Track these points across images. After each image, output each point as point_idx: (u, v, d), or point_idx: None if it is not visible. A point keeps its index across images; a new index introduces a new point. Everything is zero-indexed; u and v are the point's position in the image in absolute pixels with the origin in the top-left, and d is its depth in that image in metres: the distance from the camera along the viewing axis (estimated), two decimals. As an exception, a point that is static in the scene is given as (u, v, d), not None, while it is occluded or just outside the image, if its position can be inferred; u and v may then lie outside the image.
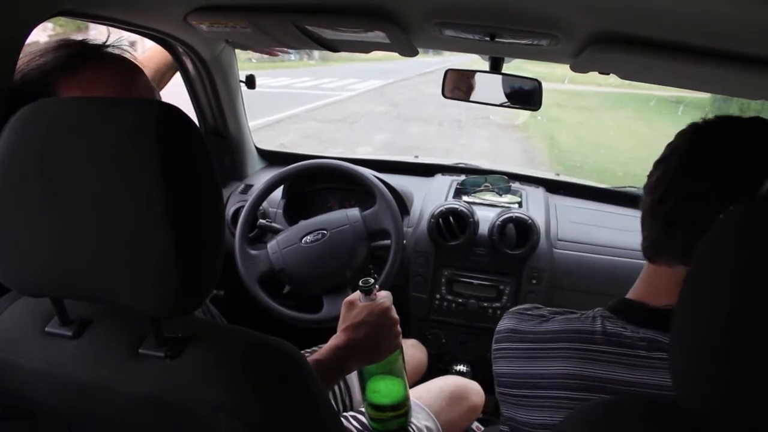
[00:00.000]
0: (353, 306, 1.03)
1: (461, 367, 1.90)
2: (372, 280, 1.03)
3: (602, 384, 0.73)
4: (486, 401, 1.91)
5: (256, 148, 2.21)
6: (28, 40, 0.94)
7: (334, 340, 1.01)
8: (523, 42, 1.13)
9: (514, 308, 0.89)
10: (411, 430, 1.18)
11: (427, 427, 1.22)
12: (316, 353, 0.99)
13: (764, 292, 0.45)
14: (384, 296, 1.05)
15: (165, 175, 0.52)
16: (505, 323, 0.86)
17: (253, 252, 1.74)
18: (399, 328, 1.05)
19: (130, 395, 0.59)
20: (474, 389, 1.51)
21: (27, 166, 0.55)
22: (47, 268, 0.56)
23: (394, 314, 1.04)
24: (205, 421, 0.56)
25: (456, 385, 1.42)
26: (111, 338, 0.63)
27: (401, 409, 1.10)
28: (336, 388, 1.34)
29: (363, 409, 1.19)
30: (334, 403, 1.32)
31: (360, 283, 1.03)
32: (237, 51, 1.80)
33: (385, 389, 1.07)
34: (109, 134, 0.54)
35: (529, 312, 0.86)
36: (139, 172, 0.52)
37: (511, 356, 0.82)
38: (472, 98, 1.54)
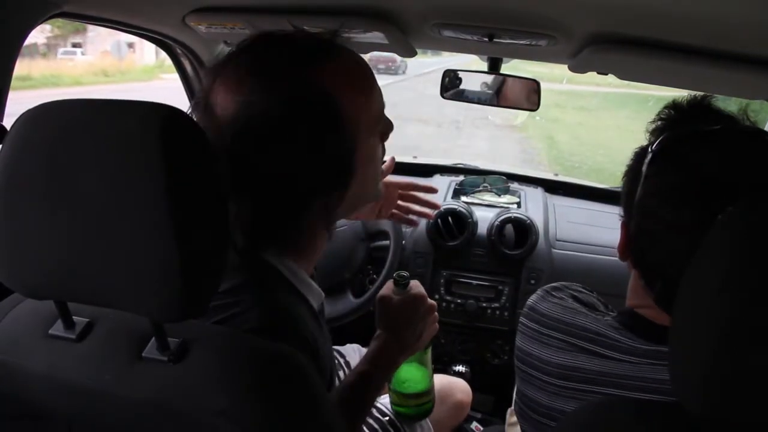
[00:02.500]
0: (389, 301, 1.00)
1: (460, 368, 1.90)
2: (407, 273, 1.00)
3: (604, 378, 0.73)
4: (485, 401, 1.92)
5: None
6: (27, 42, 0.94)
7: (379, 342, 0.98)
8: (521, 42, 1.13)
9: (550, 285, 0.89)
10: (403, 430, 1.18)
11: (420, 425, 1.22)
12: (361, 365, 0.97)
13: (763, 292, 0.45)
14: (417, 286, 1.02)
15: (169, 178, 0.52)
16: (532, 299, 0.87)
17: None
18: (436, 314, 1.03)
19: (132, 399, 0.59)
20: (459, 386, 1.51)
21: (32, 168, 0.55)
22: (51, 270, 0.56)
23: (430, 301, 1.02)
24: (207, 427, 0.56)
25: (441, 383, 1.41)
26: (114, 342, 0.63)
27: (426, 397, 1.09)
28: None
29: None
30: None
31: (395, 277, 1.00)
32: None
33: (412, 378, 1.06)
34: (114, 137, 0.54)
35: (554, 293, 0.86)
36: (143, 176, 0.52)
37: (524, 332, 0.84)
38: (470, 99, 1.54)
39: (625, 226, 0.77)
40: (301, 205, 0.78)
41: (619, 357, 0.73)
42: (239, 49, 0.77)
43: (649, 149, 0.72)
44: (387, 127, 0.89)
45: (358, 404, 0.95)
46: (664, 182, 0.70)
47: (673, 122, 0.76)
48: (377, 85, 0.83)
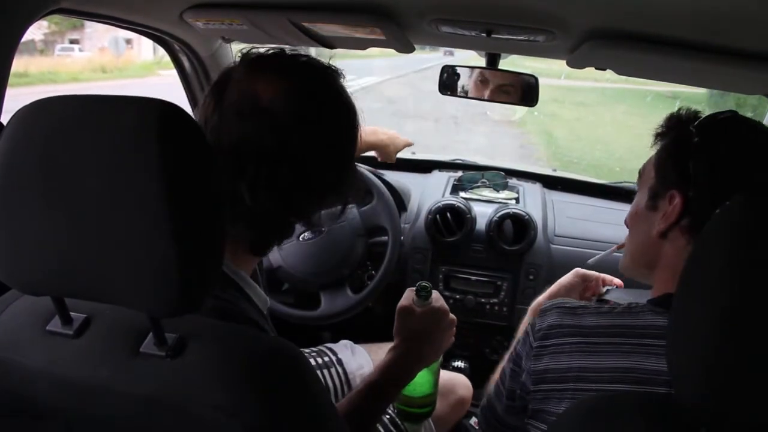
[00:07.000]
0: (411, 313, 0.97)
1: (459, 363, 1.90)
2: (429, 284, 0.98)
3: (655, 376, 0.72)
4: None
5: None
6: (24, 39, 0.94)
7: (396, 353, 0.96)
8: (519, 38, 1.13)
9: (553, 303, 0.87)
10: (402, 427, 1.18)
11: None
12: (374, 375, 0.96)
13: (760, 290, 0.45)
14: (439, 298, 1.00)
15: (166, 174, 0.52)
16: (549, 320, 0.85)
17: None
18: (455, 329, 1.02)
19: (131, 395, 0.59)
20: (461, 382, 1.51)
21: (29, 165, 0.55)
22: (48, 267, 0.56)
23: (452, 315, 1.00)
24: (205, 422, 0.56)
25: (443, 380, 1.40)
26: (112, 337, 0.63)
27: (429, 398, 1.08)
28: (337, 384, 1.33)
29: None
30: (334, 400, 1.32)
31: (417, 287, 0.97)
32: (233, 48, 1.79)
33: (418, 382, 1.04)
34: (110, 133, 0.53)
35: (568, 305, 0.85)
36: (140, 171, 0.52)
37: (560, 351, 0.81)
38: (468, 94, 1.53)
39: (681, 197, 0.80)
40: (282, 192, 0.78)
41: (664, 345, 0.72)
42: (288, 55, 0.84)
43: (690, 127, 0.82)
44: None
45: (368, 414, 0.94)
46: (715, 153, 0.79)
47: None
48: None
